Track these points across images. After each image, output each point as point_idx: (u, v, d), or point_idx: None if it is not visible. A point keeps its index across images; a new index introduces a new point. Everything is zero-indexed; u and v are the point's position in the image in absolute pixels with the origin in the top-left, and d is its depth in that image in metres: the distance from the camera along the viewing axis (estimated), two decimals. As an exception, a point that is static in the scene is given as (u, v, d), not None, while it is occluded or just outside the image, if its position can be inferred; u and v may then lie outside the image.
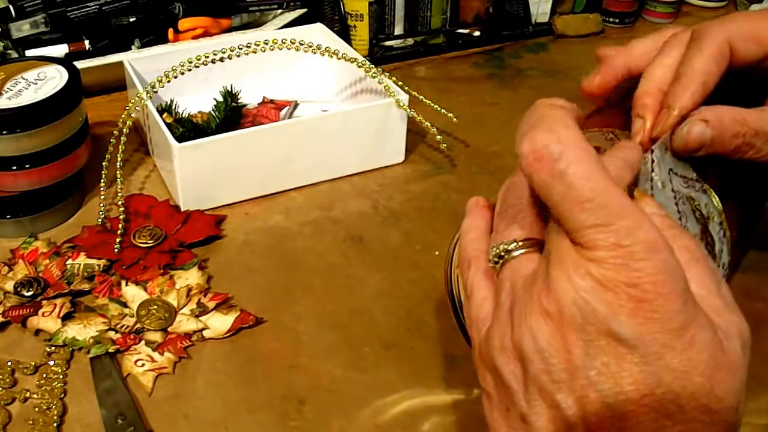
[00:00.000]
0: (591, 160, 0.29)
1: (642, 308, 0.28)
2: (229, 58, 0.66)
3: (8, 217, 0.59)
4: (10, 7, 0.78)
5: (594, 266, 0.28)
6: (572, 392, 0.29)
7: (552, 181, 0.29)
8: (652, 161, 0.37)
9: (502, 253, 0.33)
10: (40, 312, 0.51)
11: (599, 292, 0.28)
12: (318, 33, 0.76)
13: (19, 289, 0.53)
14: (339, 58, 0.68)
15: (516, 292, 0.31)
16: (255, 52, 0.66)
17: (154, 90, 0.64)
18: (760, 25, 0.40)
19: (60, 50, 0.80)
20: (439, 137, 0.67)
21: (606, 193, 0.28)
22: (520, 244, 0.33)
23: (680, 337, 0.28)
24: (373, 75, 0.67)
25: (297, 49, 0.67)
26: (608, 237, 0.28)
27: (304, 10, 0.88)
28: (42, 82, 0.58)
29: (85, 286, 0.54)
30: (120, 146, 0.61)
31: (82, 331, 0.50)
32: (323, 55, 0.67)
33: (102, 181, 0.61)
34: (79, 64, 0.68)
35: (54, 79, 0.59)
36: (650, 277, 0.28)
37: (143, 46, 0.82)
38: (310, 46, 0.67)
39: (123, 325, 0.51)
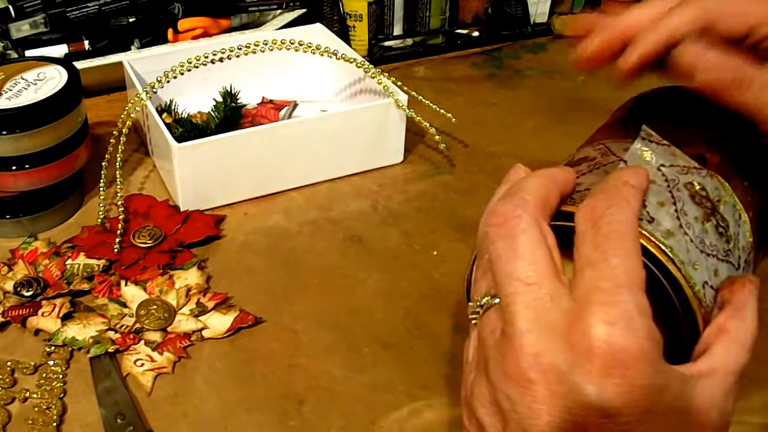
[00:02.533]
0: (541, 243, 0.31)
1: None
2: (229, 58, 0.66)
3: (8, 217, 0.59)
4: (10, 7, 0.78)
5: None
6: None
7: (498, 240, 0.31)
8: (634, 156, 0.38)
9: (477, 309, 0.33)
10: (40, 312, 0.52)
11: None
12: (317, 33, 0.77)
13: (18, 289, 0.53)
14: (338, 59, 0.68)
15: (487, 348, 0.31)
16: (254, 53, 0.66)
17: (154, 90, 0.64)
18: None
19: (60, 50, 0.80)
20: (438, 137, 0.67)
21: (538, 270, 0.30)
22: (490, 299, 0.32)
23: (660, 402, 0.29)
24: (373, 75, 0.67)
25: (296, 50, 0.67)
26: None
27: (304, 10, 0.88)
28: (42, 82, 0.59)
29: (85, 286, 0.54)
30: (119, 146, 0.61)
31: (81, 331, 0.51)
32: (322, 55, 0.67)
33: (101, 181, 0.61)
34: (79, 65, 0.68)
35: (54, 79, 0.59)
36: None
37: (143, 46, 0.82)
38: (310, 47, 0.67)
39: (122, 325, 0.51)
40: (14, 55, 0.79)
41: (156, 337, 0.50)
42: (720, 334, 0.33)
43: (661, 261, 0.35)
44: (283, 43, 0.66)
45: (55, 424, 0.45)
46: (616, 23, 0.41)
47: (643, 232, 0.35)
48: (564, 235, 0.33)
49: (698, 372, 0.32)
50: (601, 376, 0.28)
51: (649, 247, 0.35)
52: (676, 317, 0.36)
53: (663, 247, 0.35)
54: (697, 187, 0.39)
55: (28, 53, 0.79)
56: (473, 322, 0.34)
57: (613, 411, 0.28)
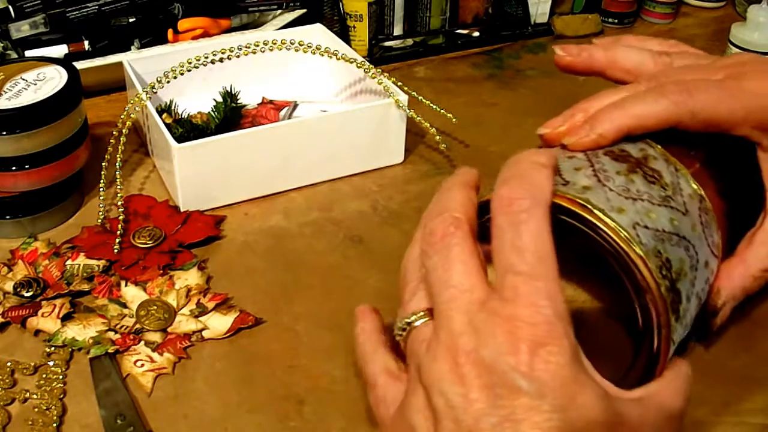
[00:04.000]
0: (544, 228, 0.33)
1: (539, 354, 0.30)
2: (229, 58, 0.66)
3: (8, 217, 0.59)
4: (10, 7, 0.78)
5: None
6: None
7: (509, 227, 0.33)
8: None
9: (405, 326, 0.35)
10: (40, 312, 0.52)
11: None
12: (317, 33, 0.76)
13: (18, 290, 0.53)
14: (338, 59, 0.68)
15: (420, 357, 0.33)
16: (254, 53, 0.66)
17: (154, 90, 0.64)
18: (722, 104, 0.40)
19: (59, 51, 0.80)
20: (438, 138, 0.67)
21: (542, 253, 0.32)
22: (421, 314, 0.35)
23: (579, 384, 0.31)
24: (373, 75, 0.67)
25: (296, 50, 0.67)
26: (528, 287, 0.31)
27: (304, 10, 0.88)
28: (41, 82, 0.59)
29: (85, 287, 0.54)
30: (119, 147, 0.61)
31: (81, 331, 0.50)
32: (323, 55, 0.67)
33: (101, 181, 0.61)
34: (79, 65, 0.68)
35: (53, 79, 0.59)
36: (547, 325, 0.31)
37: (143, 46, 0.82)
38: (310, 47, 0.67)
39: (122, 326, 0.51)
40: (14, 56, 0.79)
41: (156, 337, 0.50)
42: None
43: (581, 214, 0.35)
44: (284, 44, 0.66)
45: (55, 424, 0.45)
46: (588, 106, 0.43)
47: (558, 193, 0.36)
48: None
49: (628, 395, 0.34)
50: (529, 359, 0.30)
51: (564, 203, 0.36)
52: (618, 277, 0.36)
53: (579, 200, 0.36)
54: (617, 151, 0.39)
55: (28, 53, 0.79)
56: (398, 339, 0.36)
57: (545, 390, 0.30)
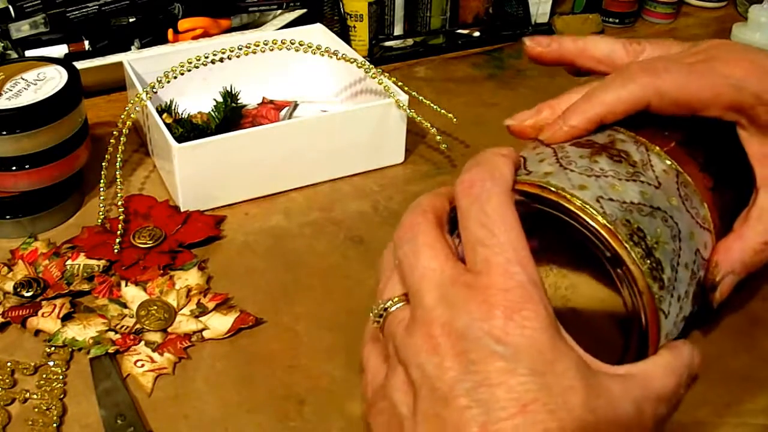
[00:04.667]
0: (508, 203, 0.34)
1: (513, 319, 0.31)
2: (229, 58, 0.66)
3: (8, 217, 0.59)
4: (10, 7, 0.78)
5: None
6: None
7: (472, 205, 0.34)
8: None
9: (382, 312, 0.36)
10: (40, 312, 0.51)
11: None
12: (318, 33, 0.76)
13: (18, 290, 0.53)
14: (339, 59, 0.68)
15: (397, 337, 0.34)
16: (255, 53, 0.66)
17: (154, 90, 0.64)
18: (690, 84, 0.41)
19: (59, 51, 0.80)
20: (438, 138, 0.67)
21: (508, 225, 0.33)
22: (395, 299, 0.36)
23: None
24: (373, 75, 0.67)
25: (297, 50, 0.67)
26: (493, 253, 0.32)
27: (304, 10, 0.88)
28: (42, 82, 0.59)
29: (85, 287, 0.54)
30: (120, 147, 0.61)
31: (81, 331, 0.50)
32: (323, 55, 0.67)
33: (102, 181, 0.61)
34: (79, 65, 0.68)
35: (54, 79, 0.59)
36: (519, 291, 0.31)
37: (143, 46, 0.82)
38: (310, 47, 0.67)
39: (123, 326, 0.51)
40: (14, 55, 0.79)
41: (156, 337, 0.50)
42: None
43: (542, 195, 0.36)
44: (284, 44, 0.66)
45: (55, 425, 0.44)
46: (556, 102, 0.44)
47: (520, 180, 0.37)
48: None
49: (612, 370, 0.33)
50: (503, 323, 0.30)
51: (525, 188, 0.37)
52: (597, 258, 0.36)
53: (539, 183, 0.36)
54: (584, 141, 0.40)
55: (28, 53, 0.79)
56: (375, 325, 0.37)
57: (520, 355, 0.30)
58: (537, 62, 0.48)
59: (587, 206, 0.35)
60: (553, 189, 0.36)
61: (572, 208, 0.35)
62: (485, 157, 0.36)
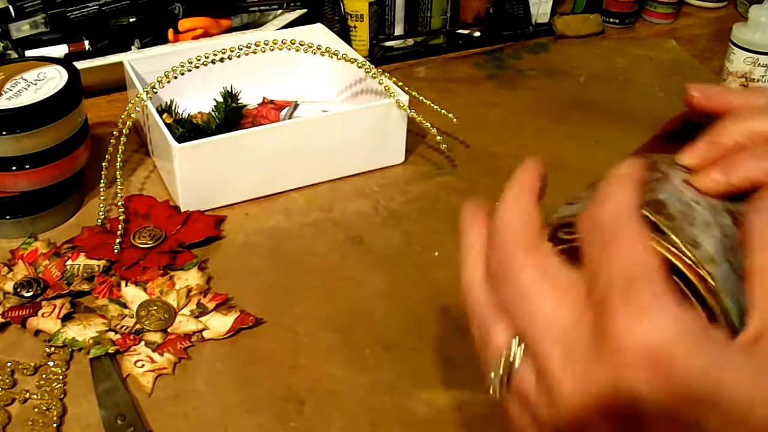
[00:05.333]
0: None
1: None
2: (229, 58, 0.66)
3: (8, 217, 0.59)
4: (10, 7, 0.78)
5: None
6: None
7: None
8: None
9: (501, 373, 0.31)
10: (40, 313, 0.51)
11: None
12: (318, 33, 0.76)
13: (18, 290, 0.53)
14: (339, 59, 0.68)
15: (539, 408, 0.30)
16: (255, 53, 0.66)
17: (154, 90, 0.64)
18: None
19: (60, 50, 0.80)
20: (439, 138, 0.67)
21: None
22: (514, 351, 0.31)
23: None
24: (373, 75, 0.67)
25: (297, 50, 0.67)
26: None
27: (304, 10, 0.88)
28: (42, 82, 0.58)
29: (85, 287, 0.54)
30: (120, 147, 0.61)
31: (81, 331, 0.50)
32: (323, 55, 0.67)
33: (102, 181, 0.61)
34: (79, 65, 0.68)
35: (54, 79, 0.59)
36: None
37: (143, 46, 0.82)
38: (310, 47, 0.67)
39: (123, 326, 0.51)
40: (14, 55, 0.79)
41: (156, 338, 0.50)
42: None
43: (699, 288, 0.32)
44: (284, 44, 0.66)
45: (55, 425, 0.44)
46: (727, 136, 0.36)
47: (684, 258, 0.32)
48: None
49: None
50: (646, 378, 0.26)
51: (683, 268, 0.32)
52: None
53: (693, 261, 0.32)
54: (737, 211, 0.35)
55: (28, 53, 0.79)
56: (502, 389, 0.32)
57: (668, 411, 0.26)
58: (693, 108, 0.40)
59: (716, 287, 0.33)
60: (714, 291, 0.31)
61: (700, 288, 0.33)
62: (605, 183, 0.31)
